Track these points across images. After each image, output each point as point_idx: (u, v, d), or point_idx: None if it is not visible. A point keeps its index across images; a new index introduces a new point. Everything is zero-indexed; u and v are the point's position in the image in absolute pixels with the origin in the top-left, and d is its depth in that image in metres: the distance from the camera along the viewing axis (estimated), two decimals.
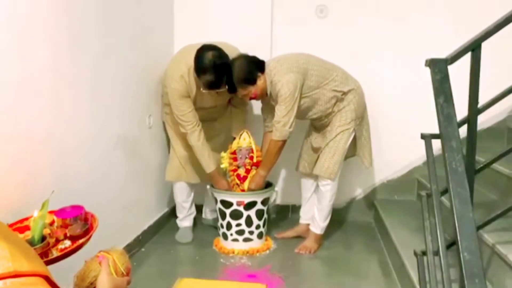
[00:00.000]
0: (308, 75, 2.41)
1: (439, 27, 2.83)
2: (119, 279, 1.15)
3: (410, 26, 2.89)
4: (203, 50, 2.36)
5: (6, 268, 0.67)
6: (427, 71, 1.58)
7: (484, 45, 1.52)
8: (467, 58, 1.56)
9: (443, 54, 1.65)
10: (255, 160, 2.56)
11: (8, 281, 0.66)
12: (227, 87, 2.43)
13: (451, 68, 1.55)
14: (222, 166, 2.60)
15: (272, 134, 2.46)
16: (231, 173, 2.60)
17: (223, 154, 2.59)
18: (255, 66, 2.43)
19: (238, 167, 2.58)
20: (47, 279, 0.73)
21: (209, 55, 2.33)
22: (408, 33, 2.89)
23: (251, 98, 2.52)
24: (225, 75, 2.37)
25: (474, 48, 1.51)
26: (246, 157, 2.56)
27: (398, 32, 2.91)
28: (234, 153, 2.58)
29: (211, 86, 2.38)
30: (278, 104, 2.39)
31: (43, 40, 1.65)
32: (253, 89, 2.44)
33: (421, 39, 2.83)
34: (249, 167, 2.57)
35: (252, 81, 2.41)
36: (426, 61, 1.56)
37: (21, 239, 1.05)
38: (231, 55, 2.48)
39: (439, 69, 1.51)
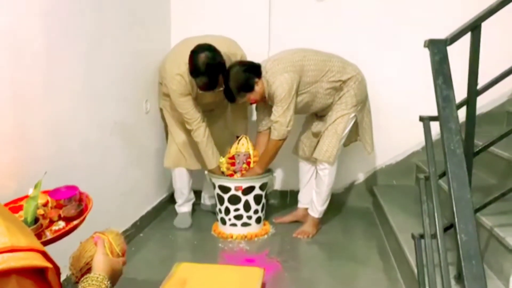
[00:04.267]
0: (304, 72, 2.38)
1: (438, 8, 2.79)
2: (115, 259, 1.15)
3: (409, 7, 2.84)
4: (196, 51, 2.32)
5: (3, 243, 0.67)
6: (427, 54, 1.55)
7: (485, 25, 1.49)
8: (467, 38, 1.54)
9: (442, 35, 1.63)
10: (252, 165, 2.56)
11: (5, 255, 0.65)
12: (225, 95, 2.43)
13: (450, 50, 1.53)
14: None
15: (271, 134, 2.45)
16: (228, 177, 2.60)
17: (221, 159, 2.59)
18: (251, 72, 2.38)
19: (235, 172, 2.58)
20: (44, 254, 0.72)
21: (203, 56, 2.29)
22: (407, 15, 2.85)
23: (251, 103, 2.51)
24: (220, 76, 2.35)
25: (474, 28, 1.48)
26: (243, 162, 2.56)
27: (397, 13, 2.86)
28: (232, 158, 2.58)
29: (206, 88, 2.38)
30: (275, 105, 2.38)
31: (37, 24, 1.63)
32: (252, 96, 2.42)
33: (421, 21, 2.78)
34: (245, 172, 2.57)
35: (250, 88, 2.39)
36: (425, 41, 1.53)
37: (16, 217, 1.04)
38: (229, 50, 2.46)
39: (438, 49, 1.48)
